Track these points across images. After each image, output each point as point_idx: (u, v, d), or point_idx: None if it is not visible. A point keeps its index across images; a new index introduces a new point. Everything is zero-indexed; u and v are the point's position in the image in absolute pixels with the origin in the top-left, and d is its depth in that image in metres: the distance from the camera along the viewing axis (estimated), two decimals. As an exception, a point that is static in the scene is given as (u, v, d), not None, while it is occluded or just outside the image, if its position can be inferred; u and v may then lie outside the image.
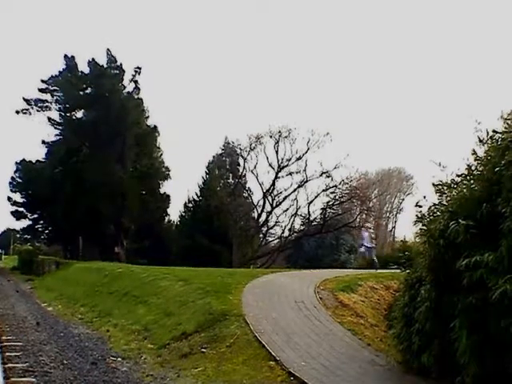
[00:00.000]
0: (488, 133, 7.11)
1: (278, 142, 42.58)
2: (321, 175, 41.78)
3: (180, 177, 78.05)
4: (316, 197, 43.08)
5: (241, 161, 44.72)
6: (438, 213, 7.49)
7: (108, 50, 42.18)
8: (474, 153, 7.29)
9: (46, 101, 42.07)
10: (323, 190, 42.52)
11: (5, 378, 7.94)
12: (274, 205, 44.27)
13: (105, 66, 42.12)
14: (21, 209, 43.67)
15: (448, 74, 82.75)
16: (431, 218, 7.61)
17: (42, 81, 41.61)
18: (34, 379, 8.04)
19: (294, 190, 43.54)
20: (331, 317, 11.61)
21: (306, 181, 42.76)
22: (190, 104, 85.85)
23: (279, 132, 42.14)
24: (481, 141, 7.20)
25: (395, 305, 8.99)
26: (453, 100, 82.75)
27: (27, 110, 41.53)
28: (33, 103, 41.65)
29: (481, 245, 6.27)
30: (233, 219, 42.38)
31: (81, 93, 42.04)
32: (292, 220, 44.75)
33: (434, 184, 7.72)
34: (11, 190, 43.35)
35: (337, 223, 42.73)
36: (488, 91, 69.72)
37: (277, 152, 42.89)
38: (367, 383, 7.72)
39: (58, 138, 42.58)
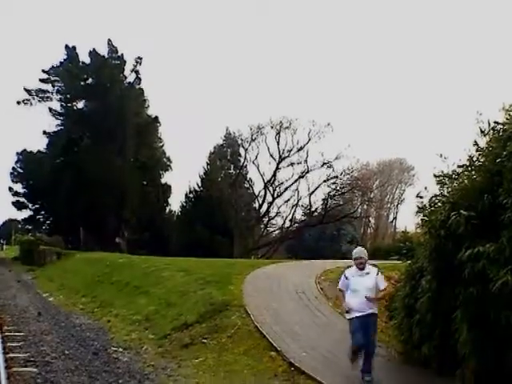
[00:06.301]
0: (490, 124, 7.07)
1: (279, 132, 42.45)
2: (322, 166, 41.75)
3: (181, 167, 77.79)
4: (317, 187, 43.12)
5: (242, 151, 44.62)
6: (439, 204, 7.46)
7: (109, 40, 42.09)
8: (476, 144, 7.26)
9: (47, 91, 41.91)
10: (324, 181, 42.53)
11: (6, 368, 7.97)
12: (275, 195, 44.24)
13: (106, 56, 41.94)
14: (22, 199, 43.56)
15: (450, 65, 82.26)
16: (432, 208, 7.59)
17: (43, 71, 41.45)
18: (35, 369, 8.08)
19: (295, 181, 43.52)
20: (332, 307, 11.63)
21: (307, 171, 42.70)
22: (191, 94, 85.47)
23: (280, 122, 41.98)
24: (482, 132, 7.16)
25: (396, 295, 8.98)
26: (455, 91, 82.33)
27: (28, 100, 41.41)
28: (34, 93, 41.48)
29: (482, 236, 6.25)
30: (234, 210, 42.35)
31: (82, 83, 41.83)
32: (293, 210, 44.83)
33: (435, 175, 7.68)
34: (12, 181, 43.24)
35: (338, 214, 42.72)
36: (490, 82, 69.50)
37: (278, 143, 42.79)
38: (367, 373, 7.71)
39: (59, 128, 42.43)
